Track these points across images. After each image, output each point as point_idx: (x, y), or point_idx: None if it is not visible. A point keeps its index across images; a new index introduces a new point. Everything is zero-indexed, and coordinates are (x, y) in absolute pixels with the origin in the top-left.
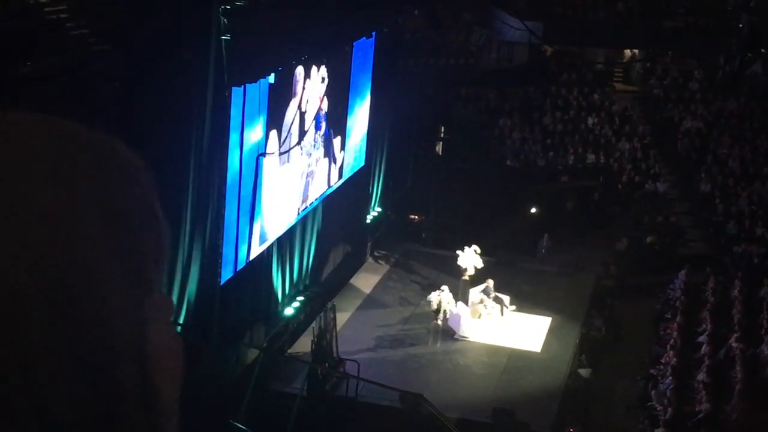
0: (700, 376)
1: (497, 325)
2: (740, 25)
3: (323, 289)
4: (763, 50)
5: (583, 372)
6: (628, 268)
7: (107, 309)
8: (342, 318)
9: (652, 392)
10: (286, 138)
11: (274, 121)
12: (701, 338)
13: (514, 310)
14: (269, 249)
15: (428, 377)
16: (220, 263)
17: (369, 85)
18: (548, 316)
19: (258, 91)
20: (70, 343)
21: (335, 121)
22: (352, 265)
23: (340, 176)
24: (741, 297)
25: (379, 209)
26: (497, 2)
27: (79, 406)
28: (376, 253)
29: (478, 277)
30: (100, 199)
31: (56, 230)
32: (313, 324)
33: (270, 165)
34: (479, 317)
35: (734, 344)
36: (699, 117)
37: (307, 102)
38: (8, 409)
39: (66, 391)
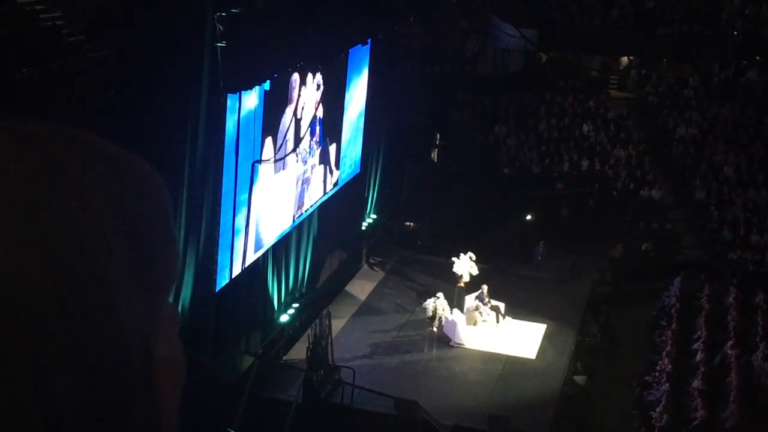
0: (696, 383)
1: (493, 332)
2: (735, 33)
3: (318, 295)
4: (757, 57)
5: (579, 379)
6: (624, 274)
7: (119, 320)
8: (337, 325)
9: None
10: (281, 145)
11: (270, 127)
12: (696, 345)
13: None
14: (264, 256)
15: (424, 384)
16: (215, 270)
17: (364, 91)
18: (544, 322)
19: (254, 97)
20: (81, 351)
21: (331, 128)
22: (348, 271)
23: (336, 183)
24: (736, 304)
25: (375, 216)
26: (493, 9)
27: (86, 411)
28: (371, 260)
29: (474, 284)
30: (119, 213)
31: (77, 243)
32: (309, 331)
33: (265, 172)
34: (475, 324)
35: (729, 351)
36: (694, 124)
37: (302, 109)
38: (18, 411)
39: (74, 398)
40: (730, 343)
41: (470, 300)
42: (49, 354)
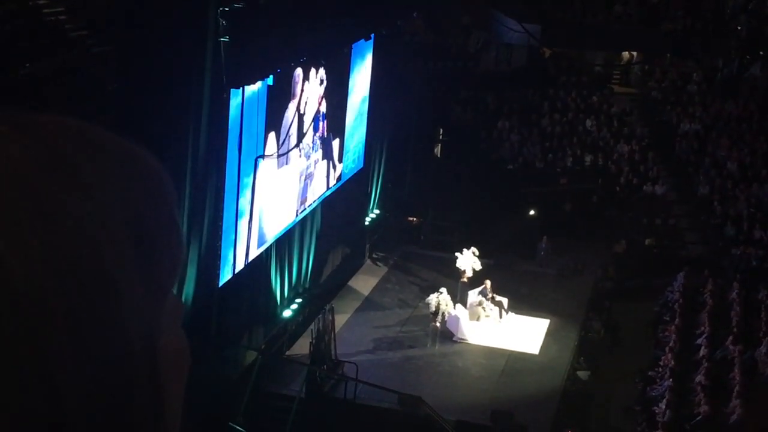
0: (699, 379)
1: (496, 327)
2: (739, 28)
3: (322, 290)
4: (761, 53)
5: (582, 374)
6: (627, 270)
7: (124, 315)
8: (340, 320)
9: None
10: (284, 140)
11: (273, 123)
12: (699, 341)
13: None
14: (268, 251)
15: (427, 379)
16: (219, 265)
17: (367, 87)
18: (547, 318)
19: (256, 92)
20: (85, 344)
21: (334, 123)
22: (351, 266)
23: (339, 178)
24: (739, 299)
25: (378, 211)
26: (496, 5)
27: (90, 405)
28: (374, 255)
29: (477, 279)
30: (124, 206)
31: (80, 235)
32: (312, 326)
33: (268, 167)
34: (478, 319)
35: (732, 346)
36: (697, 119)
37: (305, 104)
38: (23, 404)
39: (79, 391)
40: (733, 338)
41: (473, 295)
42: (53, 347)
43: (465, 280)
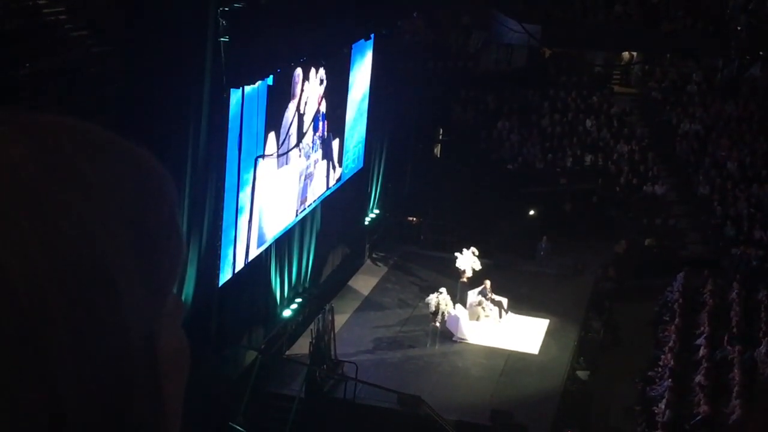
0: (698, 379)
1: (495, 327)
2: (739, 28)
3: (321, 290)
4: (761, 53)
5: (582, 374)
6: (627, 270)
7: (124, 315)
8: (340, 320)
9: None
10: (284, 140)
11: (273, 122)
12: (699, 341)
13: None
14: (267, 251)
15: (426, 379)
16: (218, 265)
17: (367, 87)
18: (546, 318)
19: (256, 92)
20: (87, 348)
21: (334, 123)
22: (351, 266)
23: (339, 178)
24: (739, 299)
25: (378, 211)
26: (496, 5)
27: (89, 404)
28: (374, 255)
29: (477, 279)
30: (124, 206)
31: (80, 235)
32: (312, 326)
33: (268, 167)
34: (477, 319)
35: (731, 347)
36: (697, 120)
37: (305, 104)
38: (23, 403)
39: (78, 390)
40: (732, 338)
41: (473, 295)
42: (53, 346)
43: (465, 280)
